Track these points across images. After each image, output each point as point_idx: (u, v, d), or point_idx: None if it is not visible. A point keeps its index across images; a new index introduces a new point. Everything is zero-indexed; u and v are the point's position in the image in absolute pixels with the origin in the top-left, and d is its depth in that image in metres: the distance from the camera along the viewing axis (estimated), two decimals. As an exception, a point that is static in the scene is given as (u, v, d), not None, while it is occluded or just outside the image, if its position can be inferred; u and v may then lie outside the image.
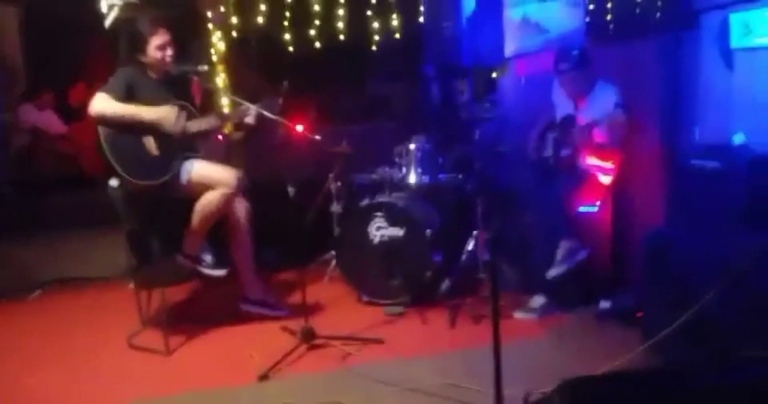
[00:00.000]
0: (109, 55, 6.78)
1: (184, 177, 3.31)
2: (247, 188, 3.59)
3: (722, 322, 2.42)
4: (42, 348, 3.43)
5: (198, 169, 3.34)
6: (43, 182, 6.30)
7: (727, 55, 2.91)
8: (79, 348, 3.40)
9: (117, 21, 5.43)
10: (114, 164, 3.13)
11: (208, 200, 3.32)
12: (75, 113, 7.12)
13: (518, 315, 3.53)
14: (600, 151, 3.43)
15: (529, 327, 3.42)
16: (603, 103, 3.33)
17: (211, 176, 3.34)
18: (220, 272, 3.50)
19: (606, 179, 3.53)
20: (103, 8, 5.49)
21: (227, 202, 3.36)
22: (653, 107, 3.41)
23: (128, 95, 3.22)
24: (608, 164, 3.50)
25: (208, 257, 3.49)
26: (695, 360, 2.53)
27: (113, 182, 3.27)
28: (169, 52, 3.35)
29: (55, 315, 3.96)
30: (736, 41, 2.85)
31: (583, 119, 3.46)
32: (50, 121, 6.71)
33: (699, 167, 2.70)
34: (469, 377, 2.73)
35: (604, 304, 3.49)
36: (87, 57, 7.95)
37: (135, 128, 3.22)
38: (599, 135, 3.32)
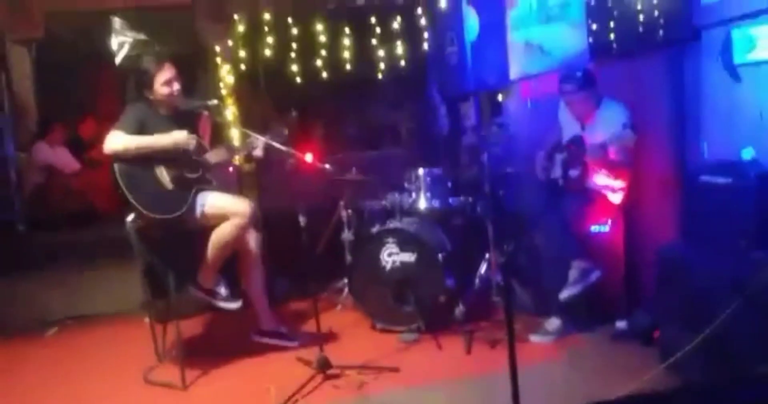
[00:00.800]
0: (117, 90, 6.89)
1: (198, 210, 3.33)
2: (259, 220, 3.61)
3: (740, 338, 2.39)
4: (58, 385, 3.43)
5: (212, 201, 3.37)
6: (57, 219, 6.36)
7: (731, 71, 2.92)
8: (96, 384, 3.40)
9: (127, 58, 5.54)
10: (130, 199, 3.16)
11: (222, 232, 3.34)
12: (87, 146, 7.22)
13: (534, 338, 3.50)
14: (611, 169, 3.42)
15: (545, 350, 3.39)
16: (610, 122, 3.34)
17: (224, 207, 3.36)
18: (235, 305, 3.50)
19: (616, 198, 3.52)
20: (114, 46, 5.60)
21: (241, 232, 3.38)
22: (660, 123, 3.41)
23: (140, 132, 3.27)
24: (618, 183, 3.50)
25: (222, 290, 3.50)
26: (714, 379, 2.49)
27: (130, 218, 3.30)
28: (176, 86, 3.38)
29: (70, 352, 3.97)
30: (739, 56, 2.86)
31: (590, 138, 3.46)
32: (64, 158, 6.80)
33: (709, 183, 2.68)
34: (487, 403, 2.69)
35: (620, 324, 3.46)
36: (96, 92, 8.10)
37: (150, 162, 3.26)
38: (611, 153, 3.32)
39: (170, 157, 3.31)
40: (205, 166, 3.47)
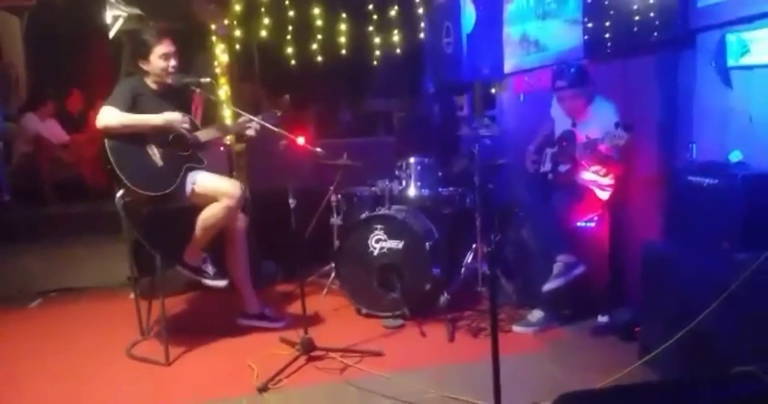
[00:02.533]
0: (106, 64, 6.84)
1: (188, 188, 3.33)
2: (247, 203, 3.62)
3: (719, 338, 2.44)
4: (40, 356, 3.43)
5: (202, 180, 3.36)
6: (44, 191, 6.32)
7: (724, 74, 2.96)
8: (78, 357, 3.40)
9: (121, 32, 5.48)
10: (120, 176, 3.15)
11: (211, 212, 3.35)
12: (75, 121, 7.17)
13: (517, 328, 3.55)
14: (601, 165, 3.46)
15: (527, 341, 3.44)
16: (602, 119, 3.37)
17: (214, 188, 3.36)
18: (222, 283, 3.51)
19: (604, 195, 3.57)
20: (108, 19, 5.54)
21: (230, 213, 3.38)
22: (651, 123, 3.45)
23: (132, 107, 3.25)
24: (606, 180, 3.54)
25: (209, 268, 3.51)
26: (692, 376, 2.54)
27: (119, 194, 3.29)
28: (173, 62, 3.36)
29: (54, 324, 3.96)
30: (733, 60, 2.90)
31: (581, 134, 3.50)
32: (53, 130, 6.75)
33: (696, 183, 2.72)
34: (468, 390, 2.74)
35: (602, 319, 3.52)
36: (87, 67, 8.02)
37: (141, 139, 3.25)
38: (602, 151, 3.36)
39: (161, 134, 3.30)
40: (196, 144, 3.46)
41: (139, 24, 5.28)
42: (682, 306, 2.62)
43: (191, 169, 3.40)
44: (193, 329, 3.72)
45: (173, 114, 3.30)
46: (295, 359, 3.14)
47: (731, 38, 2.88)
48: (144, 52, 3.34)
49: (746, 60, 2.83)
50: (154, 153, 3.29)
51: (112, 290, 4.51)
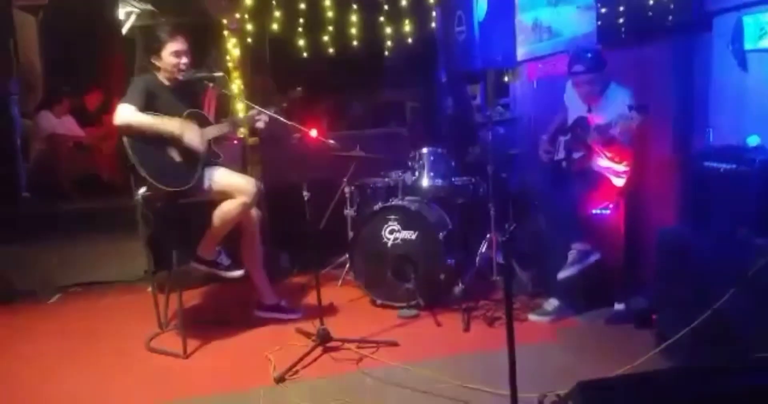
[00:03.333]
0: (123, 61, 6.87)
1: (206, 184, 3.35)
2: (262, 197, 3.63)
3: (737, 324, 2.41)
4: (60, 350, 3.48)
5: (219, 177, 3.38)
6: (62, 187, 6.39)
7: (741, 57, 2.91)
8: (98, 351, 3.45)
9: (134, 28, 5.51)
10: (142, 172, 3.17)
11: (227, 208, 3.36)
12: (92, 117, 7.22)
13: (532, 317, 3.54)
14: (614, 151, 3.42)
15: (543, 330, 3.42)
16: (616, 105, 3.33)
17: (231, 185, 3.38)
18: (238, 273, 3.54)
19: (619, 182, 3.53)
20: (121, 15, 5.57)
21: (245, 210, 3.40)
22: (666, 109, 3.41)
23: (147, 104, 3.27)
24: (621, 167, 3.51)
25: (224, 260, 3.53)
26: (710, 363, 2.52)
27: (142, 190, 3.32)
28: (184, 59, 3.38)
29: (73, 319, 4.02)
30: (750, 43, 2.84)
31: (595, 121, 3.46)
32: (69, 127, 6.81)
33: (713, 169, 2.69)
34: (484, 380, 2.74)
35: (618, 306, 3.50)
36: (102, 64, 8.07)
37: (159, 135, 3.27)
38: (614, 134, 3.32)
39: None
40: (212, 140, 3.47)
41: (152, 20, 5.31)
42: (699, 292, 2.60)
43: (208, 164, 3.41)
44: (210, 321, 3.75)
45: (191, 131, 3.30)
46: (312, 350, 3.16)
47: (748, 20, 2.83)
48: (156, 49, 3.36)
49: (764, 43, 2.78)
50: (172, 149, 3.31)
51: (130, 284, 4.56)
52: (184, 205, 3.37)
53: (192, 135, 3.30)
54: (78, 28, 7.63)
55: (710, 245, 2.65)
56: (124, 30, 5.64)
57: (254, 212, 3.56)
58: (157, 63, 3.38)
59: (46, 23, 7.64)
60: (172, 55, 3.34)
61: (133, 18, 5.55)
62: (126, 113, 3.18)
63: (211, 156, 3.46)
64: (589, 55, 3.49)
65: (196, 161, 3.35)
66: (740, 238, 2.49)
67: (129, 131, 3.18)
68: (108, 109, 3.28)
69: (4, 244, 4.74)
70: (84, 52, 7.82)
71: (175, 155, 3.31)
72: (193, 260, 3.49)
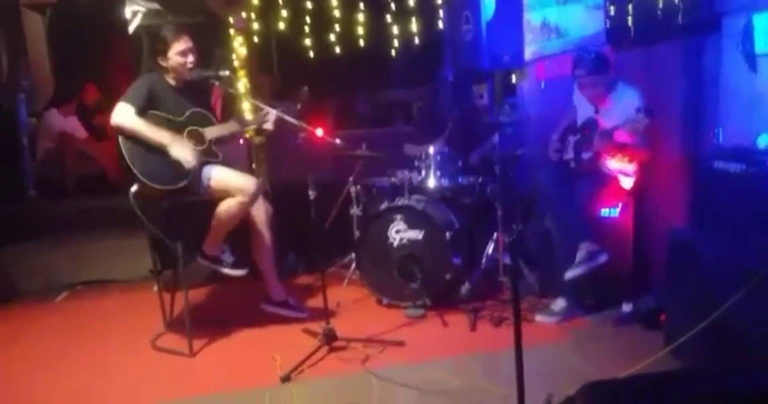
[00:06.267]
0: (123, 59, 6.89)
1: (204, 182, 3.34)
2: (268, 193, 3.61)
3: (746, 326, 2.40)
4: (66, 349, 3.49)
5: (217, 176, 3.36)
6: (68, 185, 6.41)
7: (751, 58, 2.89)
8: (103, 349, 3.46)
9: (141, 27, 5.53)
10: (133, 169, 3.16)
11: (227, 207, 3.35)
12: (92, 113, 7.23)
13: (539, 318, 3.53)
14: (622, 152, 3.41)
15: (550, 330, 3.41)
16: (624, 106, 3.31)
17: (229, 184, 3.35)
18: (240, 272, 3.53)
19: (627, 183, 3.51)
20: (127, 15, 5.59)
21: (245, 209, 3.38)
22: (676, 109, 3.39)
23: (149, 103, 3.27)
24: (630, 167, 3.49)
25: (228, 257, 3.52)
26: (718, 364, 2.50)
27: (134, 188, 3.30)
28: (191, 58, 3.37)
29: (79, 317, 4.02)
30: (760, 44, 2.82)
31: (604, 122, 3.45)
32: (75, 126, 6.83)
33: (722, 169, 2.67)
34: (490, 380, 2.73)
35: (626, 307, 3.48)
36: (107, 62, 8.08)
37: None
38: (621, 137, 3.31)
39: (176, 129, 3.31)
40: (213, 139, 3.46)
41: (158, 19, 5.32)
42: (709, 293, 2.58)
43: (207, 163, 3.40)
44: (215, 320, 3.75)
45: (181, 147, 3.26)
46: (318, 349, 3.15)
47: (759, 21, 2.81)
48: (162, 49, 3.35)
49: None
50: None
51: (135, 282, 4.57)
52: (187, 202, 3.36)
53: (180, 152, 3.25)
54: (86, 27, 7.64)
55: (720, 246, 2.63)
56: (131, 29, 5.66)
57: (263, 207, 3.54)
58: (164, 64, 3.37)
59: (53, 22, 7.65)
60: (178, 54, 3.33)
61: (139, 17, 5.57)
62: (122, 115, 3.17)
63: (210, 155, 3.45)
64: (592, 56, 3.47)
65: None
66: (750, 239, 2.47)
67: (122, 132, 3.19)
68: (106, 106, 3.29)
69: (12, 242, 4.76)
70: (91, 51, 7.83)
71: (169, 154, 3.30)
72: (198, 255, 3.48)
